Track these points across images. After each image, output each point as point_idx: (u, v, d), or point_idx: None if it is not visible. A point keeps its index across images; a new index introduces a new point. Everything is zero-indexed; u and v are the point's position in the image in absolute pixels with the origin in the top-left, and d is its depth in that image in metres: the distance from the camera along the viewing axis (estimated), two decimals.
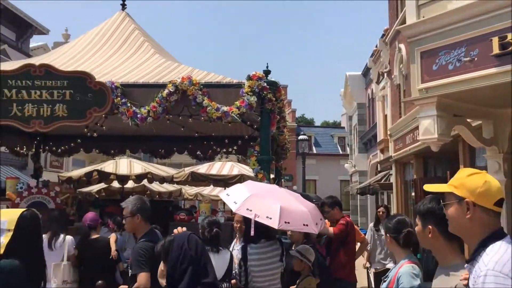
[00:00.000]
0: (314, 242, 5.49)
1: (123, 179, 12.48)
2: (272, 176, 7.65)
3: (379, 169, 19.88)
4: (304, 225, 4.15)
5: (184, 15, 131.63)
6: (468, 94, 6.09)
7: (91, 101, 5.96)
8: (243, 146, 9.70)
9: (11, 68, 6.29)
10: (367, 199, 23.45)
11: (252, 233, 4.13)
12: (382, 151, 18.54)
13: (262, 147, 6.10)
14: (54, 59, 7.48)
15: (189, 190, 16.98)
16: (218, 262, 4.43)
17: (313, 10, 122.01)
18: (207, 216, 5.42)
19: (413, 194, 12.90)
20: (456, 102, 6.46)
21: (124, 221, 3.94)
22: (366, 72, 23.92)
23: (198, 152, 10.56)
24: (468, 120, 7.19)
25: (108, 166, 12.27)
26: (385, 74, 16.94)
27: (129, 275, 3.86)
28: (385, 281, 2.98)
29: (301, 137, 20.02)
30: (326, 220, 5.54)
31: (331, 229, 5.66)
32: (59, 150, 10.53)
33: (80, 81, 6.02)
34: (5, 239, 2.61)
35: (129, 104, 5.97)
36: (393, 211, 13.30)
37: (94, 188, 13.79)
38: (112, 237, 5.85)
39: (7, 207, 6.10)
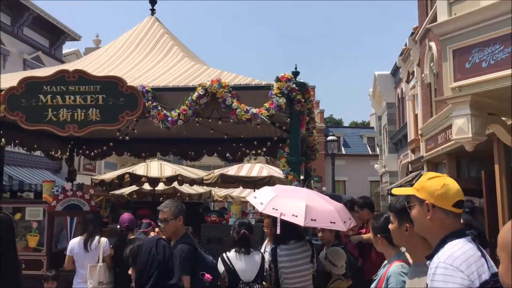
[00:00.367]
0: (346, 242, 5.45)
1: (154, 181, 12.64)
2: (301, 177, 7.63)
3: (410, 169, 19.55)
4: (331, 222, 4.14)
5: (211, 18, 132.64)
6: (503, 92, 5.94)
7: (123, 105, 6.06)
8: (272, 148, 9.71)
9: (46, 75, 6.46)
10: None
11: (278, 231, 4.14)
12: (413, 151, 18.24)
13: (292, 149, 6.09)
14: (87, 65, 7.65)
15: (219, 192, 17.09)
16: (248, 264, 4.45)
17: (341, 9, 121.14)
18: (238, 218, 5.44)
19: None
20: (490, 100, 6.31)
21: (162, 225, 3.97)
22: (395, 71, 23.57)
23: (227, 154, 10.62)
24: (503, 118, 7.00)
25: (140, 169, 12.46)
26: (415, 73, 16.67)
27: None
28: (374, 279, 2.95)
29: (330, 137, 19.87)
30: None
31: (364, 236, 5.57)
32: (92, 154, 10.76)
33: (112, 85, 6.13)
34: None
35: (160, 108, 6.05)
36: None
37: (126, 190, 14.02)
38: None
39: (44, 210, 6.28)
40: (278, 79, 6.01)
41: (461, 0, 6.40)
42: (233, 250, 4.53)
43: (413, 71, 17.48)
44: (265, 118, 5.83)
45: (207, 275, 3.88)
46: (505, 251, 1.36)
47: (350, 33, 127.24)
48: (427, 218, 2.03)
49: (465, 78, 6.10)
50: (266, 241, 5.34)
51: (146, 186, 13.53)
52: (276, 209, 4.08)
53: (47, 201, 6.31)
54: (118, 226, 6.29)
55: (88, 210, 6.17)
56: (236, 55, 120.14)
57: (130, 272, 2.98)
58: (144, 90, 6.08)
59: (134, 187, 13.87)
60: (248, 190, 15.88)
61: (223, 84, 5.99)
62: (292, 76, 6.11)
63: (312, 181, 9.98)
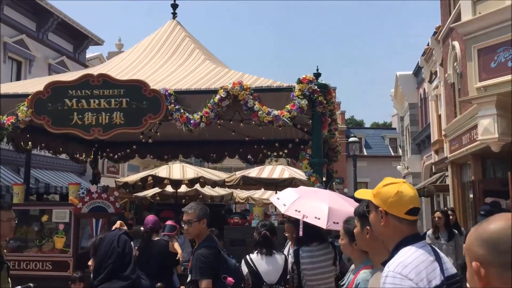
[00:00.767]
0: None
1: (176, 183, 12.74)
2: (323, 179, 7.60)
3: (433, 171, 19.29)
4: None
5: (231, 20, 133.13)
6: None
7: (146, 108, 6.14)
8: (293, 150, 9.69)
9: (71, 79, 6.59)
10: (422, 201, 22.79)
11: (300, 233, 4.12)
12: (436, 152, 17.98)
13: (314, 150, 6.07)
14: (111, 69, 7.76)
15: (240, 194, 17.13)
16: (271, 265, 4.45)
17: (362, 9, 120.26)
18: (261, 220, 5.45)
19: (471, 196, 12.43)
20: None
21: (185, 226, 3.99)
22: (417, 71, 23.28)
23: (248, 156, 10.64)
24: None
25: (162, 171, 12.58)
26: (438, 73, 16.43)
27: (188, 279, 3.93)
28: (342, 285, 2.90)
29: (351, 139, 19.69)
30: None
31: None
32: (116, 156, 10.91)
33: (135, 89, 6.21)
34: None
35: (182, 110, 6.10)
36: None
37: (149, 192, 14.16)
38: (175, 241, 5.97)
39: (71, 212, 6.39)
40: (299, 81, 6.01)
41: None
42: (256, 251, 4.54)
43: (436, 71, 17.24)
44: (287, 120, 5.83)
45: (229, 279, 3.89)
46: (468, 256, 1.34)
47: (371, 33, 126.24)
48: (381, 224, 2.05)
49: (491, 77, 6.00)
50: (289, 243, 5.33)
51: (169, 188, 13.64)
52: (299, 211, 4.07)
53: (73, 203, 6.41)
54: (142, 228, 6.36)
55: (113, 212, 6.25)
56: (254, 57, 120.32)
57: (89, 263, 3.05)
58: (166, 93, 6.14)
59: (156, 189, 14.00)
60: (269, 192, 15.87)
61: (244, 87, 6.01)
62: (314, 78, 6.10)
63: (334, 183, 9.94)
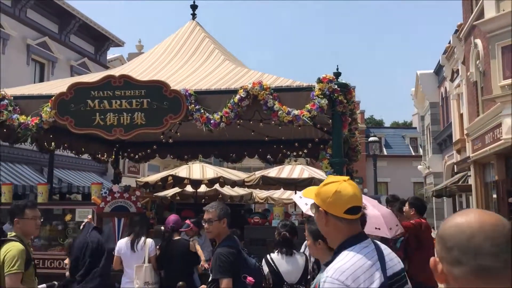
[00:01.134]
0: (391, 245, 5.36)
1: (196, 183, 12.81)
2: None
3: (455, 170, 19.03)
4: (376, 228, 4.07)
5: (249, 19, 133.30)
6: None
7: (167, 109, 6.18)
8: (313, 149, 9.66)
9: (93, 80, 6.68)
10: (443, 201, 22.49)
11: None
12: (458, 151, 17.73)
13: (334, 150, 6.04)
14: (131, 70, 7.85)
15: (260, 194, 17.13)
16: (292, 265, 4.44)
17: (381, 7, 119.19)
18: (281, 220, 5.44)
19: (494, 196, 12.23)
20: None
21: (206, 225, 4.01)
22: (438, 70, 22.99)
23: (268, 156, 10.64)
24: None
25: (182, 171, 12.66)
26: (460, 71, 16.19)
27: (209, 278, 3.95)
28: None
29: (371, 138, 19.56)
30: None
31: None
32: (136, 156, 11.03)
33: (156, 89, 6.27)
34: None
35: (202, 111, 6.13)
36: None
37: (169, 192, 14.28)
38: (196, 242, 6.01)
39: (93, 211, 6.48)
40: (319, 80, 5.98)
41: None
42: (276, 251, 4.54)
43: (458, 69, 17.00)
44: (307, 120, 5.81)
45: (249, 278, 3.90)
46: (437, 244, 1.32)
47: (390, 31, 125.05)
48: (324, 224, 2.07)
49: None
50: (305, 243, 5.31)
51: (189, 188, 13.72)
52: None
53: (96, 203, 6.50)
54: (162, 227, 6.41)
55: (134, 212, 6.32)
56: (273, 56, 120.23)
57: (66, 261, 3.10)
58: (187, 93, 6.18)
59: (176, 189, 14.10)
60: (289, 192, 15.85)
61: (264, 86, 6.01)
62: (334, 77, 6.07)
63: None
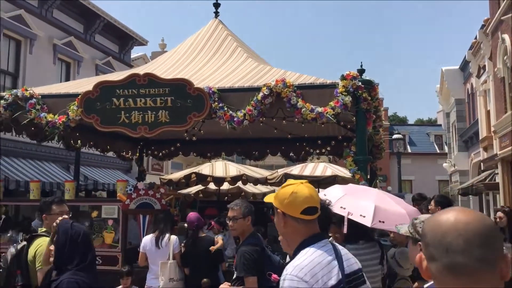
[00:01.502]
0: None
1: (219, 181, 12.87)
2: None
3: (482, 168, 18.67)
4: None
5: (271, 17, 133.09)
6: None
7: (190, 107, 6.23)
8: (336, 147, 9.61)
9: (118, 79, 6.77)
10: (469, 200, 22.09)
11: (345, 230, 4.08)
12: (485, 149, 17.39)
13: (358, 147, 6.00)
14: (155, 68, 7.93)
15: None
16: None
17: (405, 2, 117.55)
18: None
19: None
20: None
21: (230, 223, 4.03)
22: (464, 66, 22.56)
23: (291, 154, 10.64)
24: None
25: (205, 169, 12.74)
26: (487, 67, 15.87)
27: (233, 276, 3.97)
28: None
29: (395, 136, 19.35)
30: None
31: None
32: (160, 154, 11.16)
33: (180, 88, 6.31)
34: None
35: (226, 108, 6.15)
36: None
37: (192, 190, 14.38)
38: (219, 239, 6.04)
39: (119, 208, 6.57)
40: (343, 77, 5.94)
41: None
42: None
43: (484, 65, 16.66)
44: (330, 117, 5.78)
45: (274, 276, 3.90)
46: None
47: (413, 27, 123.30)
48: (282, 225, 2.13)
49: None
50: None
51: (211, 186, 13.80)
52: (344, 208, 4.03)
53: (121, 200, 6.58)
54: (185, 225, 6.45)
55: (159, 209, 6.38)
56: (296, 54, 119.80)
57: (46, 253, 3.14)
58: (210, 91, 6.21)
59: (200, 187, 14.20)
60: None
61: (287, 84, 6.00)
62: (358, 74, 6.02)
63: (377, 181, 9.78)
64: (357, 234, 4.35)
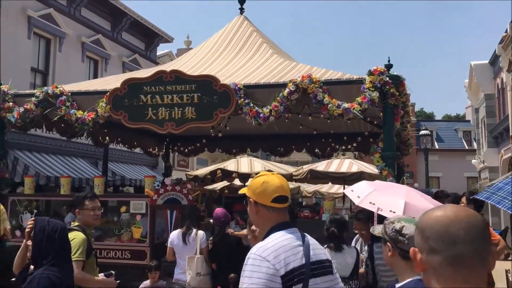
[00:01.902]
0: None
1: (244, 177, 12.92)
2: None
3: None
4: None
5: (297, 12, 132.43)
6: None
7: (217, 103, 6.26)
8: (362, 143, 9.52)
9: (145, 76, 6.85)
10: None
11: (375, 224, 4.04)
12: None
13: (386, 143, 5.93)
14: (182, 65, 7.99)
15: (307, 188, 17.06)
16: (342, 260, 4.40)
17: None
18: (331, 214, 5.40)
19: None
20: None
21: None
22: (494, 60, 22.03)
23: (316, 150, 10.58)
24: None
25: (230, 165, 12.80)
26: None
27: None
28: None
29: (422, 132, 19.00)
30: None
31: None
32: (186, 150, 11.26)
33: (206, 84, 6.35)
34: None
35: (252, 105, 6.16)
36: None
37: (218, 185, 14.47)
38: (244, 233, 6.08)
39: (147, 203, 6.67)
40: (370, 73, 5.88)
41: None
42: (325, 246, 4.52)
43: None
44: (357, 113, 5.72)
45: None
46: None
47: (441, 21, 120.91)
48: (254, 213, 2.24)
49: None
50: (360, 239, 5.24)
51: (237, 182, 13.87)
52: (373, 204, 4.00)
53: (149, 195, 6.67)
54: (211, 220, 6.50)
55: (186, 204, 6.44)
56: (322, 48, 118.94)
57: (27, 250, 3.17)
58: (236, 87, 6.22)
59: (225, 183, 14.27)
60: (337, 186, 15.70)
61: (313, 80, 5.97)
62: (385, 69, 5.95)
63: (404, 177, 9.66)
64: None
